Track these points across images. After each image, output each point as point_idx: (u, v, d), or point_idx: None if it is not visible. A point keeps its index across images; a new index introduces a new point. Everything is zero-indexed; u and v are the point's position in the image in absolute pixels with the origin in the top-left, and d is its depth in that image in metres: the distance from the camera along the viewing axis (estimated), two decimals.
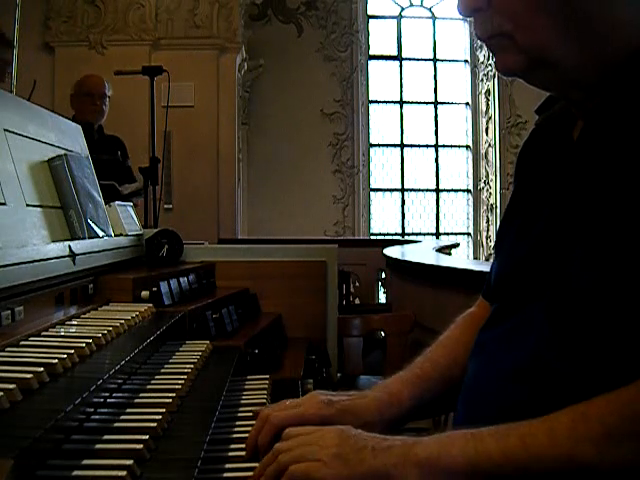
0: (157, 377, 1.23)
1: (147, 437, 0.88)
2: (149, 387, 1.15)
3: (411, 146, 8.86)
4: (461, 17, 6.86)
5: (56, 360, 0.97)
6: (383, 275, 5.97)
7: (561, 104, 0.93)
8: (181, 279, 1.93)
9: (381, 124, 8.79)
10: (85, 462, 0.79)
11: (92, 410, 0.95)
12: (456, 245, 6.94)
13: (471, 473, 0.71)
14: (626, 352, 0.72)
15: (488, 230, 8.78)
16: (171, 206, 5.93)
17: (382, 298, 6.39)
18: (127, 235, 2.20)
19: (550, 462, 0.69)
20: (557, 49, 0.80)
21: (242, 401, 1.26)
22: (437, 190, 8.92)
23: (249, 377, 1.45)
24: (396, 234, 8.66)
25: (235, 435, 1.04)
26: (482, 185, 8.84)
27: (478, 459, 0.71)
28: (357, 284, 6.12)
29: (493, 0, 0.82)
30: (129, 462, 0.79)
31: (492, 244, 8.73)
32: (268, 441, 0.90)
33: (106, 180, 2.81)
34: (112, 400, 1.04)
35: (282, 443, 0.84)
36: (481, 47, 8.30)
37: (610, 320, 0.73)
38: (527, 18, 0.80)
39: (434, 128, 8.85)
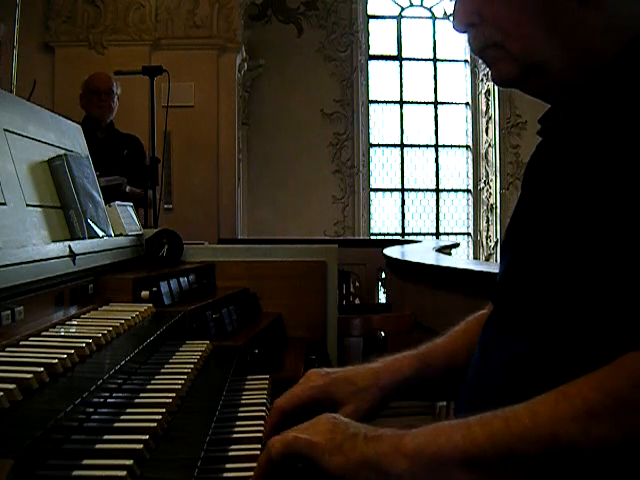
0: (157, 377, 1.23)
1: (147, 437, 0.87)
2: (149, 387, 1.15)
3: (411, 146, 8.86)
4: None
5: (56, 360, 0.97)
6: (383, 275, 5.97)
7: (563, 112, 0.95)
8: (181, 279, 1.93)
9: (381, 124, 8.79)
10: (85, 462, 0.79)
11: (92, 410, 0.95)
12: (456, 245, 6.94)
13: (459, 460, 0.72)
14: (615, 342, 0.72)
15: (488, 230, 8.78)
16: (171, 206, 5.93)
17: (382, 298, 6.39)
18: (127, 235, 2.20)
19: (534, 442, 0.69)
20: (545, 53, 0.86)
21: (242, 401, 1.26)
22: (437, 190, 8.92)
23: (249, 377, 1.44)
24: (396, 234, 8.66)
25: (235, 435, 1.04)
26: (482, 185, 8.84)
27: (465, 445, 0.72)
28: (357, 284, 6.12)
29: (484, 14, 0.88)
30: (129, 462, 0.79)
31: (492, 244, 8.73)
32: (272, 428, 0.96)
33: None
34: (112, 400, 1.03)
35: (275, 437, 0.84)
36: None
37: (600, 312, 0.75)
38: (514, 26, 0.87)
39: (434, 128, 8.85)
